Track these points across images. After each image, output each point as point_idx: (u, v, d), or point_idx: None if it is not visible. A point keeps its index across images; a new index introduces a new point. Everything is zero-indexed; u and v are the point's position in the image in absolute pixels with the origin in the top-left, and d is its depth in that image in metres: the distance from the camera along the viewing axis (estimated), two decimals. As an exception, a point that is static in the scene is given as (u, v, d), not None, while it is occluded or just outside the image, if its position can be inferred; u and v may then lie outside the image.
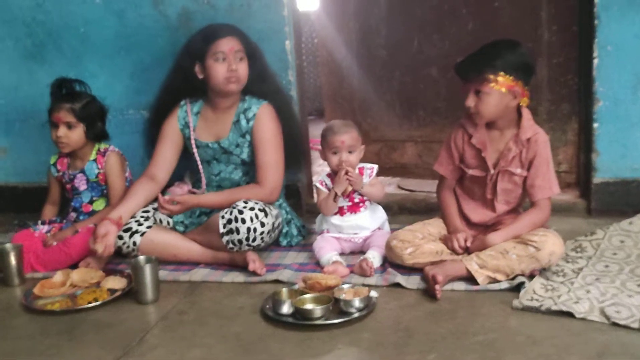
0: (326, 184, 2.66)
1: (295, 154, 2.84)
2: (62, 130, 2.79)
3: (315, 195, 2.79)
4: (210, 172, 2.78)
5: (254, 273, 2.45)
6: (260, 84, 2.70)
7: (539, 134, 2.35)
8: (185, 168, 2.91)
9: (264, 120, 2.66)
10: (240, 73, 2.62)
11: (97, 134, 2.87)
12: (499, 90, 2.26)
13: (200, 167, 2.78)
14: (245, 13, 3.08)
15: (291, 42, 3.10)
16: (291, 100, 2.93)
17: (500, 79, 2.25)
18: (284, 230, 2.76)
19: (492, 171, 2.40)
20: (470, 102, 2.31)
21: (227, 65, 2.59)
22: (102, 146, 2.90)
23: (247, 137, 2.69)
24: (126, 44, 3.20)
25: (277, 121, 2.68)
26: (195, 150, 2.76)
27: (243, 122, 2.68)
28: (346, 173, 2.54)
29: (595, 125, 2.82)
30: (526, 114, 2.37)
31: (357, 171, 2.61)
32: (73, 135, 2.80)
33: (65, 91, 2.85)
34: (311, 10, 5.85)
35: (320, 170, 3.95)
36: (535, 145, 2.34)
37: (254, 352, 1.93)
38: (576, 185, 3.08)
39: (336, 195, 2.57)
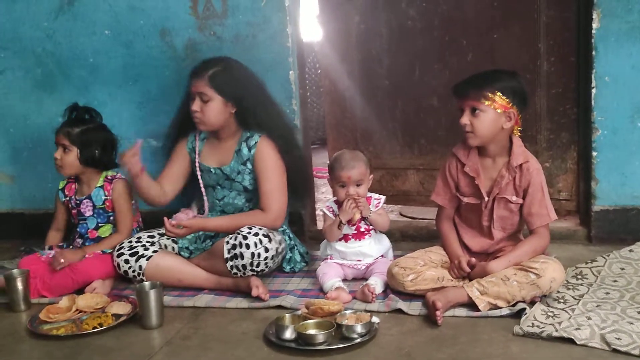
0: (333, 210, 2.67)
1: (299, 185, 2.85)
2: (58, 152, 2.83)
3: (322, 220, 2.80)
4: (214, 197, 2.81)
5: (258, 299, 2.45)
6: (262, 119, 2.71)
7: (530, 162, 2.38)
8: (193, 197, 2.93)
9: (265, 149, 2.69)
10: (200, 114, 2.64)
11: (90, 159, 2.84)
12: (495, 109, 2.30)
13: (203, 190, 2.80)
14: (250, 44, 3.12)
15: (295, 72, 3.13)
16: (295, 133, 2.94)
17: (497, 98, 2.30)
18: (288, 256, 2.77)
19: (486, 198, 2.42)
20: (466, 119, 2.34)
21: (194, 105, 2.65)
22: (110, 173, 2.92)
23: (248, 164, 2.72)
24: (134, 74, 3.25)
25: (277, 150, 2.70)
26: (199, 173, 2.79)
27: (245, 150, 2.71)
28: (354, 200, 2.56)
29: (594, 153, 2.84)
30: (517, 141, 2.41)
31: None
32: (67, 158, 2.83)
33: (74, 116, 2.89)
34: (314, 41, 5.90)
35: (323, 197, 3.97)
36: (528, 174, 2.36)
37: (257, 377, 1.94)
38: (576, 212, 3.09)
39: (341, 223, 2.59)
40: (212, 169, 2.77)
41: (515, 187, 2.39)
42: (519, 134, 2.41)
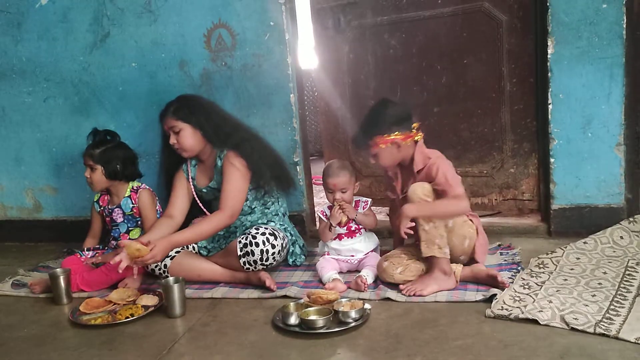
0: (326, 214, 2.66)
1: (283, 182, 2.82)
2: (87, 172, 2.83)
3: (317, 223, 2.79)
4: (216, 208, 2.76)
5: (267, 289, 2.44)
6: (222, 133, 2.67)
7: (430, 161, 2.37)
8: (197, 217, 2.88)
9: (229, 159, 2.64)
10: (178, 145, 2.65)
11: (113, 174, 2.83)
12: (386, 146, 2.36)
13: (204, 209, 2.77)
14: (257, 72, 3.12)
15: (295, 95, 3.13)
16: (259, 137, 2.84)
17: (378, 140, 2.35)
18: (290, 250, 2.76)
19: (400, 195, 2.49)
20: (372, 160, 2.45)
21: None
22: (135, 184, 2.92)
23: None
24: (157, 99, 3.24)
25: (241, 159, 2.63)
26: (194, 194, 2.77)
27: (219, 163, 2.70)
28: (340, 206, 2.56)
29: (552, 160, 2.83)
30: (418, 148, 2.41)
31: (353, 204, 2.62)
32: (94, 176, 2.82)
33: (96, 139, 2.88)
34: (311, 68, 5.91)
35: (322, 201, 3.95)
36: (429, 171, 2.36)
37: (266, 358, 1.93)
38: (537, 211, 3.07)
39: (331, 225, 2.58)
40: (203, 189, 2.77)
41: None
42: (421, 137, 2.42)
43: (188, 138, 2.65)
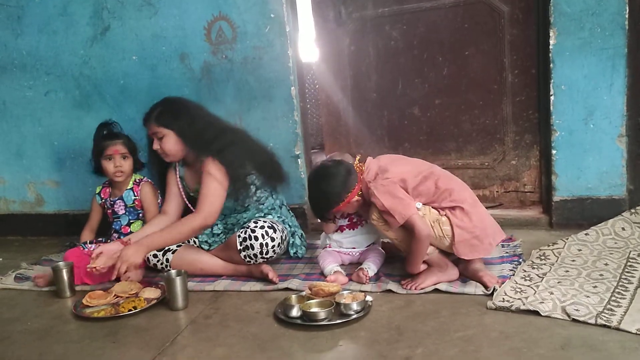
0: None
1: (273, 181, 2.80)
2: (119, 161, 2.83)
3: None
4: None
5: (269, 282, 2.45)
6: (209, 143, 2.62)
7: (370, 190, 2.32)
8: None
9: (207, 166, 2.60)
10: (161, 150, 2.66)
11: (139, 163, 2.93)
12: (346, 206, 2.40)
13: (191, 207, 2.75)
14: (257, 65, 3.12)
15: (296, 88, 3.13)
16: (250, 137, 2.80)
17: (334, 210, 2.41)
18: (290, 241, 2.76)
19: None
20: (333, 224, 2.58)
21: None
22: (137, 177, 2.93)
23: None
24: (158, 93, 3.23)
25: (220, 166, 2.59)
26: (183, 195, 2.78)
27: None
28: None
29: (554, 152, 2.83)
30: (362, 180, 2.38)
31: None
32: (126, 164, 2.85)
33: (109, 130, 2.89)
34: (312, 61, 5.89)
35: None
36: (371, 199, 2.31)
37: (269, 350, 1.93)
38: (539, 203, 3.08)
39: (335, 217, 2.58)
40: (191, 193, 2.78)
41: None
42: (361, 172, 2.39)
43: (171, 144, 2.65)
